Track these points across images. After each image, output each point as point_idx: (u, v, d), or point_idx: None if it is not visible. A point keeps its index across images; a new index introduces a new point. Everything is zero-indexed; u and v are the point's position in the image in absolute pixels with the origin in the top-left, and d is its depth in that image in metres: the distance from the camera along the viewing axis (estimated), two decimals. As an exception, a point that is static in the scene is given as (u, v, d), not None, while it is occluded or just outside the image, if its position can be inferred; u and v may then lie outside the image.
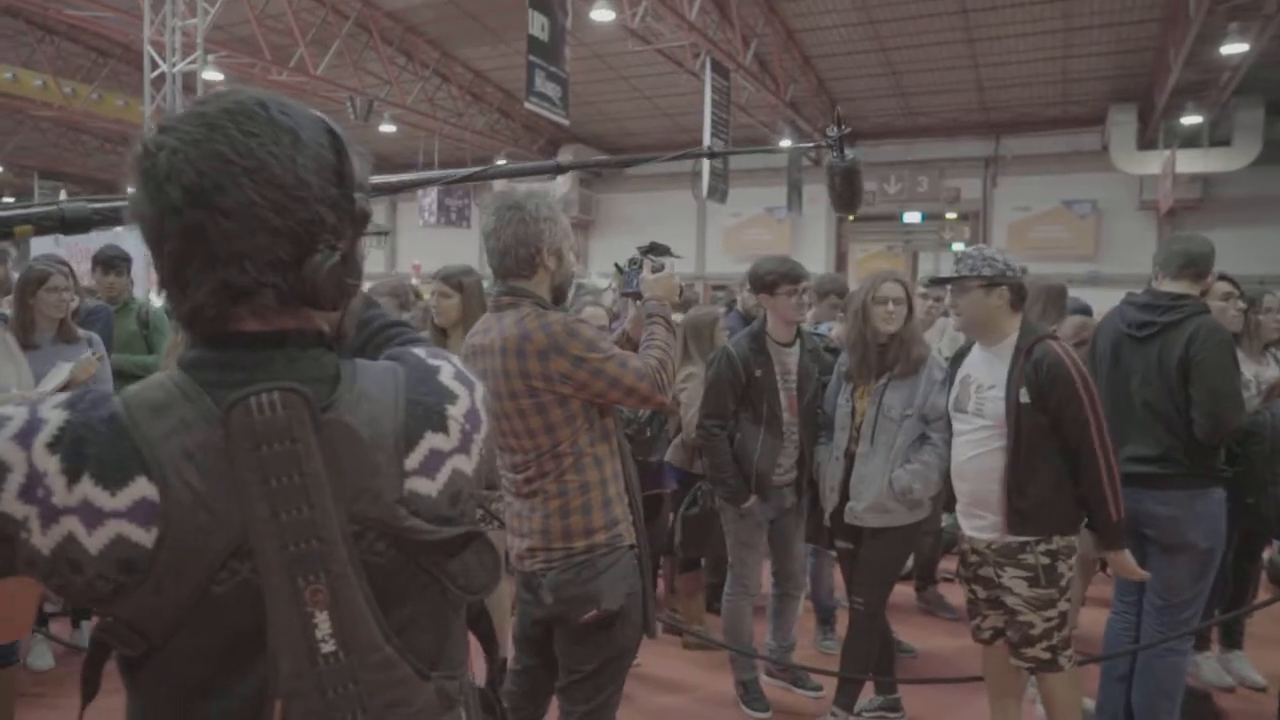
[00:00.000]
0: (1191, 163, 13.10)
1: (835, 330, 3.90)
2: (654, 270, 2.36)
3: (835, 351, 3.59)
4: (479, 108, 16.44)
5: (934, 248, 18.25)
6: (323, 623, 0.83)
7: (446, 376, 0.97)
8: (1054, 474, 2.59)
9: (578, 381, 2.06)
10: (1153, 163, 13.50)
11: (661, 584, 4.41)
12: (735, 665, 3.54)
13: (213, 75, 12.97)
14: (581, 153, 18.03)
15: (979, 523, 2.72)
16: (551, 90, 9.45)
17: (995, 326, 2.70)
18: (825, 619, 4.16)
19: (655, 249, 2.42)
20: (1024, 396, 2.59)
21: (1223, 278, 3.44)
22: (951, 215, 16.66)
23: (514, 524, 2.23)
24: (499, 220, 2.12)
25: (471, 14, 13.17)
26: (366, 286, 5.11)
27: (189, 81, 9.79)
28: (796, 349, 3.41)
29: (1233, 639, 3.87)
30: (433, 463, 0.91)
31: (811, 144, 3.06)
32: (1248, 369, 3.49)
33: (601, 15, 10.74)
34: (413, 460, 0.90)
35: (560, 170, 1.57)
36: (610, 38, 12.42)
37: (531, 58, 9.13)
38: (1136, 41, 12.08)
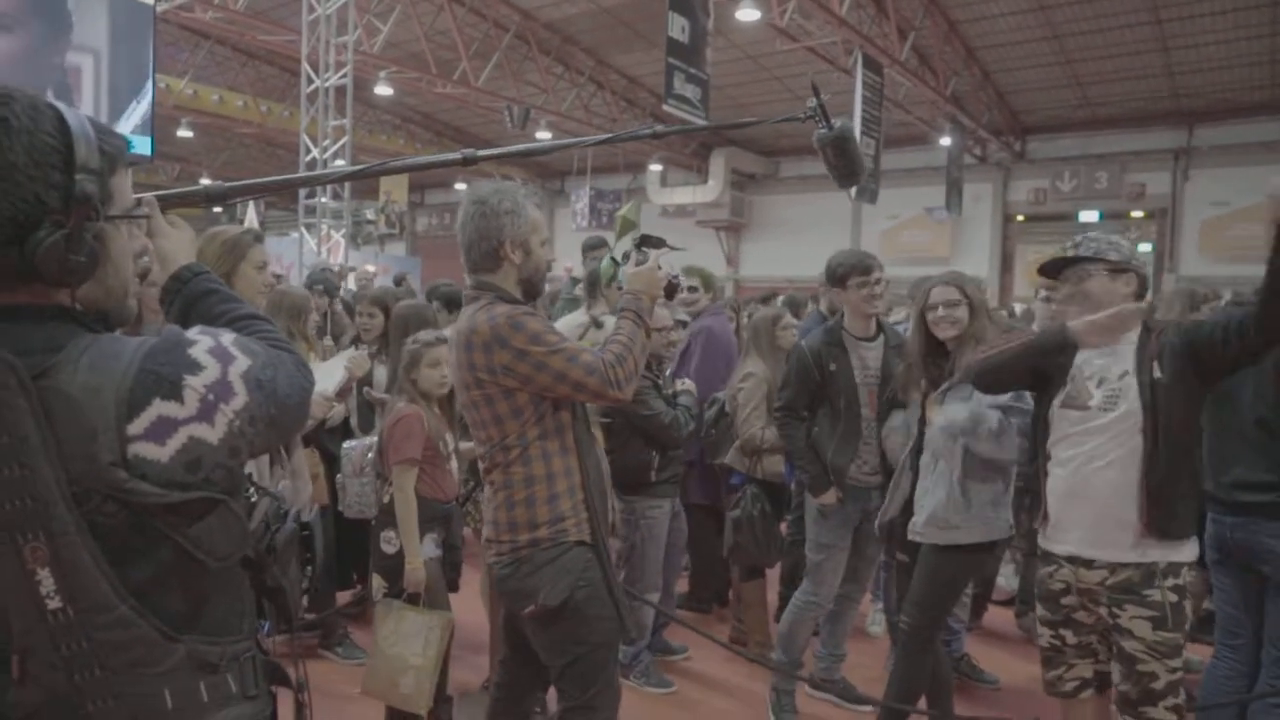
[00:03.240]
0: None
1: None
2: (638, 264, 2.28)
3: None
4: (632, 113, 16.70)
5: (1116, 249, 16.83)
6: (45, 580, 0.87)
7: (199, 350, 0.98)
8: (1192, 469, 2.31)
9: (521, 375, 2.03)
10: (1382, 150, 11.82)
11: (732, 594, 4.32)
12: (778, 672, 3.45)
13: (384, 90, 13.94)
14: (734, 155, 17.95)
15: (1105, 551, 2.33)
16: (691, 92, 9.45)
17: None
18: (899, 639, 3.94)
19: (649, 242, 2.35)
20: (1156, 371, 2.27)
21: None
22: (1137, 213, 15.27)
23: (484, 513, 2.27)
24: (464, 215, 2.13)
25: (624, 21, 13.42)
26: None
27: (345, 95, 10.53)
28: (879, 344, 3.27)
29: None
30: (161, 429, 0.93)
31: (787, 116, 2.73)
32: None
33: (747, 15, 10.63)
34: (136, 426, 0.92)
35: (468, 162, 1.51)
36: (760, 37, 12.28)
37: (670, 60, 9.18)
38: (1362, 11, 10.63)
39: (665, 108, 9.54)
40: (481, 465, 2.23)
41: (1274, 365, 2.52)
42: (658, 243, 2.36)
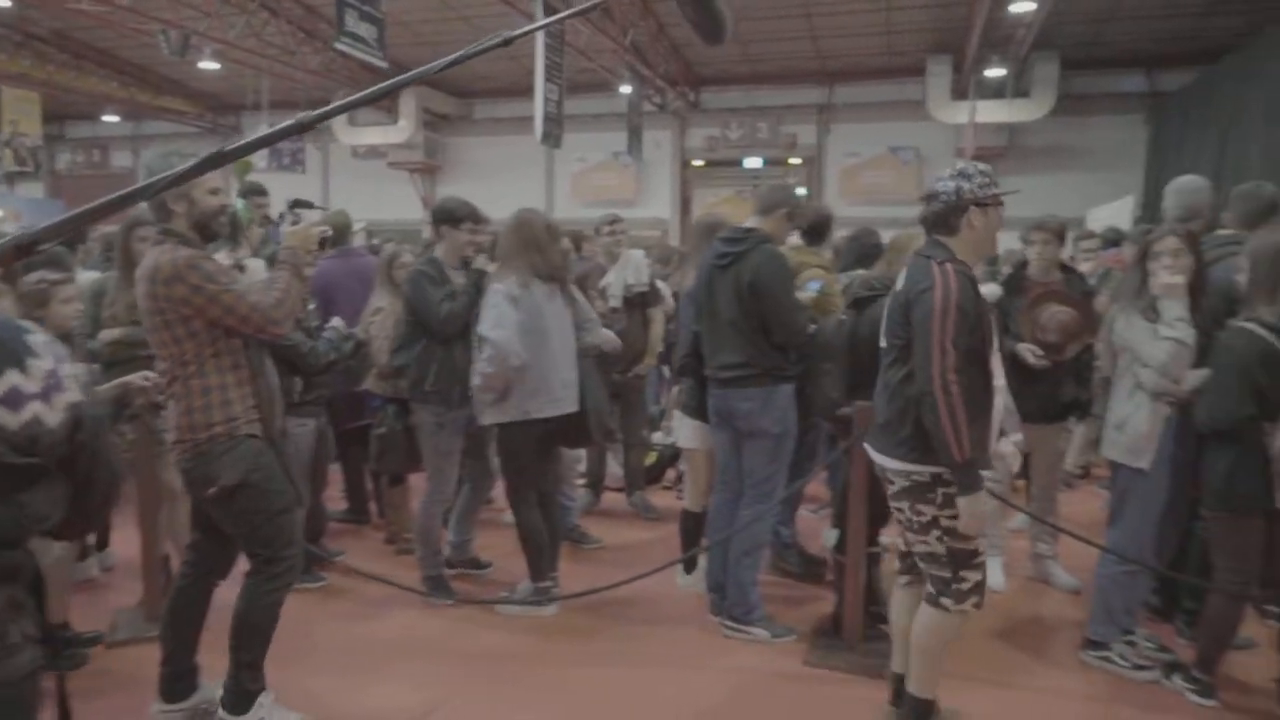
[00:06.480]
0: (995, 113, 14.02)
1: None
2: (293, 223, 2.85)
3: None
4: (312, 46, 15.72)
5: (780, 193, 18.86)
6: None
7: (36, 340, 1.06)
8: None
9: (196, 306, 2.55)
10: (964, 113, 14.36)
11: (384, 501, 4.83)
12: (424, 563, 3.97)
13: None
14: (427, 96, 17.60)
15: None
16: (366, 31, 9.24)
17: None
18: None
19: (299, 204, 2.92)
20: None
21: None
22: (794, 160, 17.24)
23: (167, 421, 2.73)
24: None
25: (295, -56, 12.59)
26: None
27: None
28: (461, 270, 3.94)
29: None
30: (13, 398, 1.00)
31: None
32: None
33: (424, -49, 10.49)
34: None
35: (304, 128, 1.40)
36: (441, -25, 12.13)
37: (340, -6, 8.88)
38: (950, -4, 12.74)
39: (336, 46, 9.25)
40: (164, 380, 2.67)
41: (733, 281, 3.49)
42: (307, 205, 2.96)
